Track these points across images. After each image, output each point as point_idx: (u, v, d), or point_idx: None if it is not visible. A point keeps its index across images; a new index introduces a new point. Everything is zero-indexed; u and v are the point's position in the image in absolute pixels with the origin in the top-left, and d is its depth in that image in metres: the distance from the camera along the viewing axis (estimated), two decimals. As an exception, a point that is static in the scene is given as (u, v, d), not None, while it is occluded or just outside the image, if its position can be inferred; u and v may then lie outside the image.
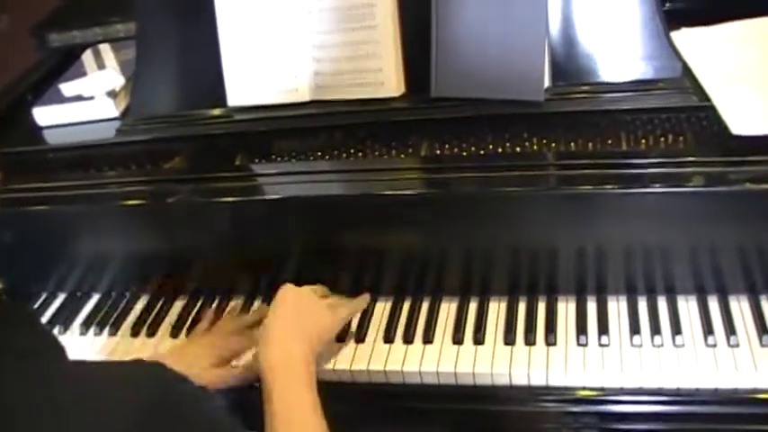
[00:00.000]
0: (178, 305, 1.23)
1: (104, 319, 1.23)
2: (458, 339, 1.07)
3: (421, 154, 1.13)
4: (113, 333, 1.21)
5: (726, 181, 0.97)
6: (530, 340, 1.05)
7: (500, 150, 1.09)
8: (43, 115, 1.34)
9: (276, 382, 0.92)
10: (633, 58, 1.11)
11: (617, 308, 1.08)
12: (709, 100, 1.07)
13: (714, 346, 1.01)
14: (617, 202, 1.01)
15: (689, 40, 1.17)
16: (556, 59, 1.12)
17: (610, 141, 1.07)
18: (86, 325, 1.23)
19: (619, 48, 1.11)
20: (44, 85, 1.44)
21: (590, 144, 1.07)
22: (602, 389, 1.01)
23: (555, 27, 1.12)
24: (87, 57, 1.48)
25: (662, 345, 1.02)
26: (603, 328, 1.05)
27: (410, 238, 1.11)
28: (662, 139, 1.06)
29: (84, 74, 1.41)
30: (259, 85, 1.20)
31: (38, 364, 0.64)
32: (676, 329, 1.03)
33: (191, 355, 1.08)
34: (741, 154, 0.98)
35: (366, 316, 1.13)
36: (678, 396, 0.99)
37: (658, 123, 1.08)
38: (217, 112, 1.23)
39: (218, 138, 1.21)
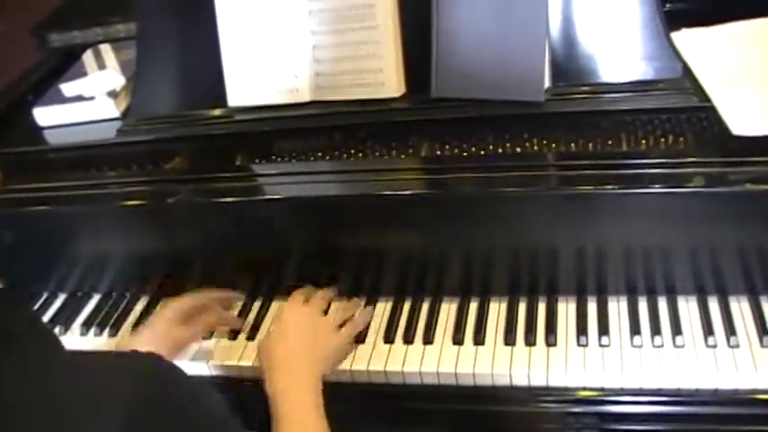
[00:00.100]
0: (178, 306, 1.23)
1: (105, 320, 1.24)
2: (458, 340, 1.08)
3: (421, 154, 1.13)
4: (114, 334, 1.22)
5: (726, 181, 0.96)
6: (530, 341, 1.06)
7: (500, 151, 1.09)
8: (44, 115, 1.34)
9: (284, 406, 0.93)
10: (633, 58, 1.10)
11: (617, 308, 1.08)
12: (709, 100, 1.07)
13: (714, 346, 1.01)
14: (617, 202, 1.00)
15: (689, 40, 1.17)
16: (556, 60, 1.12)
17: (610, 142, 1.07)
18: (87, 325, 1.23)
19: (619, 48, 1.11)
20: (44, 85, 1.44)
21: (590, 144, 1.07)
22: (602, 389, 1.01)
23: (555, 27, 1.12)
24: (88, 57, 1.48)
25: (662, 345, 1.02)
26: (604, 329, 1.05)
27: (411, 239, 1.11)
28: (662, 139, 1.05)
29: (84, 74, 1.41)
30: (259, 86, 1.20)
31: (37, 361, 0.64)
32: (677, 330, 1.03)
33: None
34: (741, 154, 0.98)
35: (366, 316, 1.14)
36: (678, 397, 0.99)
37: (658, 124, 1.08)
38: (217, 112, 1.23)
39: (219, 138, 1.21)
